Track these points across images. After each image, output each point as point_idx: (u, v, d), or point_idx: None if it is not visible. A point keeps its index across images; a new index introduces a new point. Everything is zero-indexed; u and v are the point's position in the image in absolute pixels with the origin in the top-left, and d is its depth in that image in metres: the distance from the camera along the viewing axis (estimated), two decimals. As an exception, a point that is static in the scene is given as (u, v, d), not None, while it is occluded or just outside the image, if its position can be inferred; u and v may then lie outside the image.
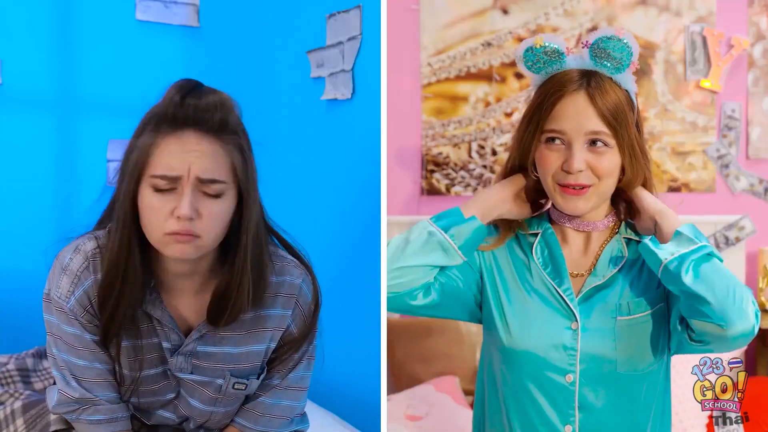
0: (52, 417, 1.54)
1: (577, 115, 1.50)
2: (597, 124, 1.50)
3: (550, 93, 1.53)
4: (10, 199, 2.66)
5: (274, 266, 1.53)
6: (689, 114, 3.19)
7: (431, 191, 3.26)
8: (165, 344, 1.49)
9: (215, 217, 1.39)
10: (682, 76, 3.20)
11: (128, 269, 1.42)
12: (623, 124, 1.51)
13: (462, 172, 3.25)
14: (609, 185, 1.53)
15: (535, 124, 1.53)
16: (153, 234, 1.39)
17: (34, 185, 2.67)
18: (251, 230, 1.43)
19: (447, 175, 3.26)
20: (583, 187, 1.51)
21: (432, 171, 3.26)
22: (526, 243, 1.60)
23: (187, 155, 1.36)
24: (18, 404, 1.57)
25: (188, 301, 1.50)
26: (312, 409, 2.17)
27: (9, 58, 2.62)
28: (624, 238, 1.58)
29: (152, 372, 1.51)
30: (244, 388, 1.53)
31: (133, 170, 1.39)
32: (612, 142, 1.51)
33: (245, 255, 1.44)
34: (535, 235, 1.60)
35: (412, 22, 3.24)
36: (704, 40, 3.17)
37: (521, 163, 1.57)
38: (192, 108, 1.38)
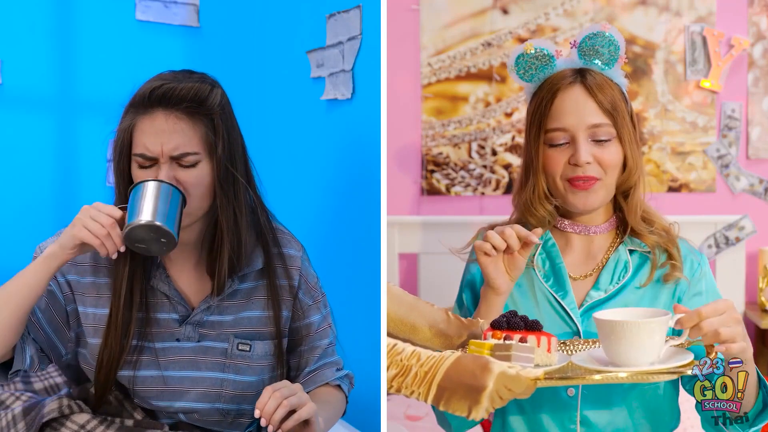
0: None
1: (577, 108, 1.51)
2: (598, 117, 1.52)
3: (546, 90, 1.54)
4: (10, 199, 2.66)
5: (276, 237, 1.65)
6: (689, 114, 3.19)
7: (431, 191, 3.26)
8: (173, 316, 1.58)
9: (192, 184, 1.51)
10: (682, 76, 3.19)
11: None
12: (621, 115, 1.53)
13: (462, 172, 3.25)
14: (614, 178, 1.55)
15: (537, 125, 1.54)
16: None
17: (34, 185, 2.67)
18: (228, 196, 1.54)
19: (447, 175, 3.26)
20: (591, 180, 1.51)
21: (432, 171, 3.26)
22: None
23: (158, 136, 1.50)
24: (18, 409, 1.57)
25: (190, 274, 1.60)
26: (312, 409, 2.17)
27: (9, 58, 2.62)
28: (629, 249, 1.57)
29: (163, 345, 1.57)
30: (248, 349, 1.59)
31: (121, 151, 1.54)
32: (613, 132, 1.52)
33: (224, 216, 1.54)
34: (537, 245, 1.58)
35: (412, 22, 3.24)
36: (704, 40, 3.17)
37: (532, 169, 1.57)
38: (162, 90, 1.51)
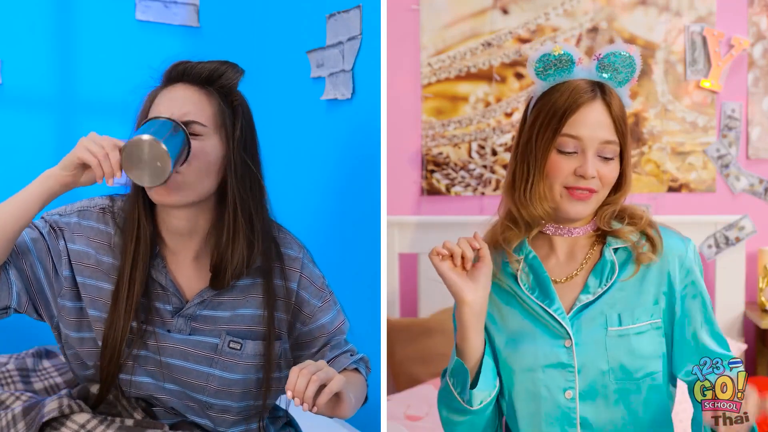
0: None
1: (596, 123, 1.55)
2: (611, 134, 1.55)
3: (569, 100, 1.55)
4: (10, 199, 2.66)
5: (279, 236, 1.66)
6: (689, 114, 3.20)
7: (431, 191, 3.26)
8: (167, 307, 1.59)
9: (194, 154, 1.53)
10: (682, 76, 3.20)
11: (140, 219, 1.57)
12: (627, 135, 1.57)
13: (462, 172, 3.25)
14: (607, 191, 1.58)
15: (553, 131, 1.55)
16: None
17: (34, 185, 2.67)
18: (238, 179, 1.56)
19: (447, 175, 3.26)
20: (590, 192, 1.54)
21: (432, 171, 3.26)
22: (509, 269, 1.60)
23: (172, 103, 1.56)
24: (18, 409, 1.57)
25: (188, 267, 1.61)
26: (312, 409, 2.17)
27: (9, 58, 2.62)
28: (613, 248, 1.59)
29: (150, 328, 1.58)
30: (239, 347, 1.59)
31: (136, 125, 1.58)
32: (617, 151, 1.56)
33: (234, 198, 1.56)
34: (518, 260, 1.60)
35: (412, 22, 3.25)
36: (704, 40, 3.17)
37: (534, 169, 1.57)
38: (184, 66, 1.61)
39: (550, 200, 1.56)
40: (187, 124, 1.53)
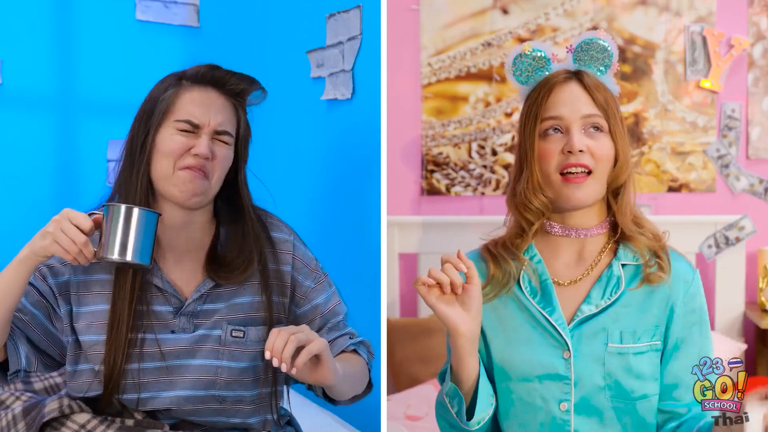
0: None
1: (573, 100, 1.55)
2: (591, 108, 1.55)
3: (542, 86, 1.57)
4: (10, 199, 2.66)
5: (267, 221, 1.70)
6: (689, 114, 3.19)
7: (431, 191, 3.26)
8: (167, 308, 1.59)
9: (223, 159, 1.60)
10: (682, 76, 3.20)
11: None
12: (613, 112, 1.56)
13: (462, 172, 3.25)
14: (605, 171, 1.56)
15: (533, 118, 1.57)
16: (166, 168, 1.56)
17: (34, 185, 2.68)
18: (244, 180, 1.66)
19: (447, 175, 3.26)
20: (584, 172, 1.53)
21: (432, 171, 3.26)
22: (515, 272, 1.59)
23: (209, 108, 1.59)
24: (18, 409, 1.57)
25: (182, 264, 1.62)
26: (312, 410, 2.17)
27: (9, 58, 2.62)
28: (621, 264, 1.57)
29: (160, 337, 1.58)
30: (242, 335, 1.60)
31: (156, 117, 1.58)
32: (605, 125, 1.55)
33: (245, 201, 1.65)
34: (527, 262, 1.58)
35: (412, 22, 3.25)
36: (704, 40, 3.17)
37: (526, 162, 1.57)
38: (221, 73, 1.63)
39: (548, 188, 1.55)
40: (220, 133, 1.60)
